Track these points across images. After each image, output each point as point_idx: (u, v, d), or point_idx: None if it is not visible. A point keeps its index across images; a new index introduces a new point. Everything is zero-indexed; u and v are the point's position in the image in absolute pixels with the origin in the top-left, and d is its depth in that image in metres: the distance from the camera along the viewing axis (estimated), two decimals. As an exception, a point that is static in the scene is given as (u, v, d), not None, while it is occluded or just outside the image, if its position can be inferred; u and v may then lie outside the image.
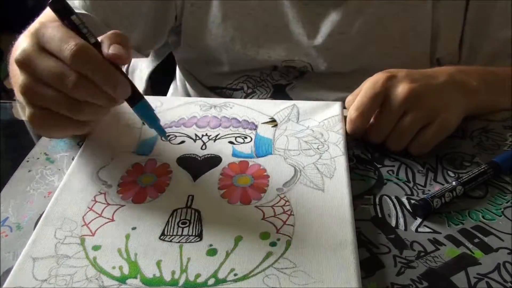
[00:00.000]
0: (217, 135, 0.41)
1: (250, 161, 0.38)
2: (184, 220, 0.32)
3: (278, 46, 0.52)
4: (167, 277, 0.29)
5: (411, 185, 0.37)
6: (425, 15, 0.51)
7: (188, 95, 0.62)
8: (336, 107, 0.44)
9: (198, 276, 0.29)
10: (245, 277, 0.28)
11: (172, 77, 0.67)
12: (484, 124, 0.44)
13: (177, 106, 0.45)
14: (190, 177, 0.36)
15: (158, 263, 0.29)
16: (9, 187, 0.37)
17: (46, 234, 0.31)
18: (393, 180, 0.38)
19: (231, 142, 0.40)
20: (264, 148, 0.39)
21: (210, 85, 0.58)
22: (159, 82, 0.66)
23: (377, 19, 0.50)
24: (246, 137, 0.41)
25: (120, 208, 0.33)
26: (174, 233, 0.31)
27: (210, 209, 0.33)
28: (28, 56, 0.32)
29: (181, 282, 0.28)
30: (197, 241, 0.31)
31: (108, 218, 0.33)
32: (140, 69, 0.66)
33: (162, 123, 0.42)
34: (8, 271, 0.30)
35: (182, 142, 0.40)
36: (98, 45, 0.32)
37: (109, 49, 0.32)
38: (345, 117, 0.43)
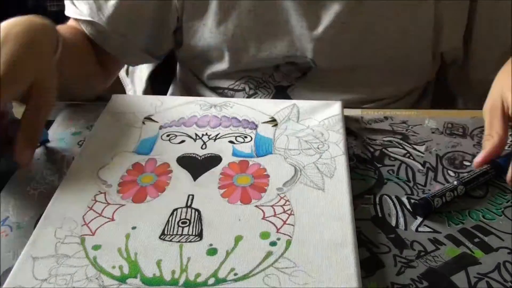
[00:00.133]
0: (217, 134, 0.41)
1: (250, 161, 0.38)
2: (184, 220, 0.32)
3: (279, 42, 0.52)
4: (167, 277, 0.29)
5: (411, 184, 0.37)
6: (427, 7, 0.50)
7: (188, 95, 0.62)
8: (336, 106, 0.44)
9: (198, 275, 0.29)
10: (245, 277, 0.28)
11: (172, 77, 0.67)
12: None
13: (177, 106, 0.45)
14: (190, 176, 0.36)
15: (158, 263, 0.29)
16: (9, 186, 0.37)
17: (46, 234, 0.31)
18: (393, 180, 0.38)
19: (231, 142, 0.40)
20: (264, 147, 0.39)
21: (211, 85, 0.58)
22: (159, 82, 0.66)
23: (379, 11, 0.50)
24: (246, 137, 0.41)
25: (120, 207, 0.33)
26: (174, 233, 0.31)
27: (210, 209, 0.33)
28: None
29: (181, 281, 0.28)
30: (197, 241, 0.31)
31: (108, 218, 0.33)
32: (140, 69, 0.66)
33: (162, 122, 0.43)
34: (8, 271, 0.30)
35: (182, 141, 0.40)
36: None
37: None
38: (345, 116, 0.43)
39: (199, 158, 0.38)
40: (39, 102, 0.36)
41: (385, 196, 0.36)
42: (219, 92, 0.58)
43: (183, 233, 0.31)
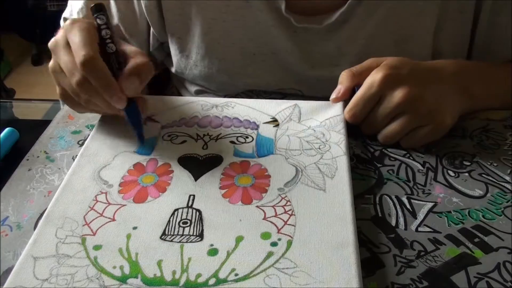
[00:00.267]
0: (219, 134, 0.41)
1: (252, 161, 0.38)
2: (185, 220, 0.32)
3: (267, 75, 0.52)
4: (168, 277, 0.29)
5: (411, 184, 0.37)
6: (425, 40, 0.48)
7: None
8: (337, 107, 0.43)
9: (199, 276, 0.29)
10: (246, 277, 0.28)
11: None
12: (484, 123, 0.44)
13: (178, 106, 0.45)
14: (191, 176, 0.36)
15: (159, 263, 0.29)
16: (9, 186, 0.37)
17: (47, 234, 0.31)
18: (393, 180, 0.38)
19: (232, 142, 0.40)
20: (265, 148, 0.39)
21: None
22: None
23: (370, 48, 0.48)
24: (247, 137, 0.41)
25: (121, 207, 0.33)
26: (175, 233, 0.31)
27: (211, 209, 0.33)
28: (56, 45, 0.37)
29: (182, 282, 0.28)
30: (198, 241, 0.31)
31: (109, 218, 0.33)
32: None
33: (163, 122, 0.43)
34: (8, 271, 0.30)
35: (184, 141, 0.40)
36: (116, 53, 0.37)
37: (126, 73, 0.36)
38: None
39: (200, 158, 0.38)
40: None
41: (385, 196, 0.36)
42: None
43: (184, 233, 0.31)
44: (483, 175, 0.38)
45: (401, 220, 0.34)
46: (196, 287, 0.28)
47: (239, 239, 0.31)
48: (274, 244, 0.30)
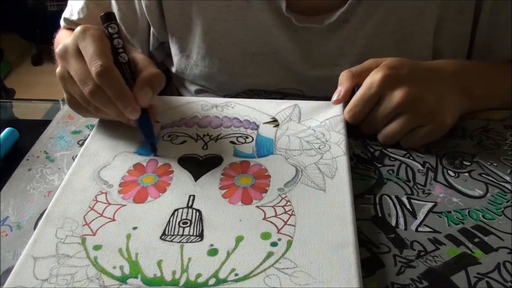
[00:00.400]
0: (219, 135, 0.41)
1: (252, 161, 0.38)
2: (185, 220, 0.32)
3: (267, 75, 0.51)
4: (168, 277, 0.29)
5: (411, 184, 0.37)
6: (426, 40, 0.48)
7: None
8: (337, 107, 0.43)
9: (199, 276, 0.29)
10: (246, 277, 0.28)
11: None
12: (484, 123, 0.44)
13: (178, 106, 0.45)
14: (191, 177, 0.36)
15: (159, 263, 0.29)
16: (9, 186, 0.37)
17: (47, 234, 0.31)
18: (393, 180, 0.38)
19: (232, 142, 0.40)
20: (265, 148, 0.39)
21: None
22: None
23: (370, 47, 0.49)
24: (247, 137, 0.41)
25: (121, 208, 0.33)
26: (175, 233, 0.31)
27: (211, 209, 0.33)
28: (66, 52, 0.37)
29: (182, 282, 0.28)
30: (198, 241, 0.31)
31: (109, 218, 0.33)
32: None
33: (163, 123, 0.43)
34: (8, 271, 0.30)
35: (184, 142, 0.40)
36: (128, 63, 0.37)
37: (139, 83, 0.36)
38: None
39: (200, 158, 0.38)
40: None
41: (385, 196, 0.36)
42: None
43: (184, 233, 0.31)
44: (483, 175, 0.38)
45: (401, 220, 0.34)
46: (196, 287, 0.28)
47: (239, 239, 0.31)
48: (274, 244, 0.30)
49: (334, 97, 0.43)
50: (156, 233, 0.31)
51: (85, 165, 0.37)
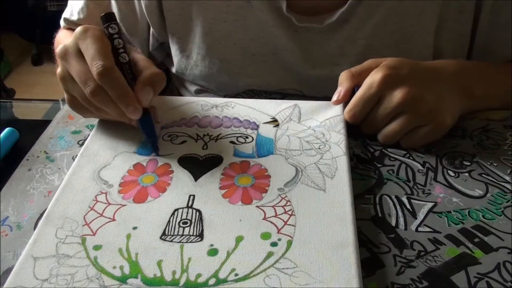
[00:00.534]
0: (219, 135, 0.41)
1: (252, 161, 0.38)
2: (185, 220, 0.32)
3: (268, 75, 0.51)
4: (168, 277, 0.29)
5: (411, 184, 0.37)
6: (427, 40, 0.48)
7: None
8: (337, 107, 0.43)
9: (199, 276, 0.29)
10: (246, 277, 0.28)
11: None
12: (484, 123, 0.44)
13: (178, 106, 0.45)
14: (191, 177, 0.36)
15: (159, 263, 0.29)
16: (9, 186, 0.37)
17: (47, 234, 0.31)
18: (393, 180, 0.38)
19: (232, 142, 0.40)
20: (265, 148, 0.39)
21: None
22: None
23: (370, 47, 0.48)
24: (247, 137, 0.41)
25: (121, 207, 0.33)
26: (175, 233, 0.31)
27: (211, 209, 0.33)
28: (66, 53, 0.37)
29: (182, 282, 0.28)
30: (198, 241, 0.31)
31: (109, 218, 0.33)
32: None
33: (163, 122, 0.43)
34: (8, 271, 0.30)
35: (184, 142, 0.40)
36: (128, 63, 0.37)
37: (141, 83, 0.37)
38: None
39: (200, 158, 0.38)
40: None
41: (385, 196, 0.36)
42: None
43: (184, 233, 0.31)
44: (483, 175, 0.38)
45: (401, 220, 0.34)
46: (196, 287, 0.28)
47: (239, 239, 0.31)
48: (274, 244, 0.30)
49: (334, 97, 0.43)
50: (156, 233, 0.31)
51: (85, 165, 0.37)
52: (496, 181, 0.38)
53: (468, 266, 0.31)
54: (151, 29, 0.53)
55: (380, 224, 0.34)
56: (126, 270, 0.29)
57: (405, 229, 0.33)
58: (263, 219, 0.32)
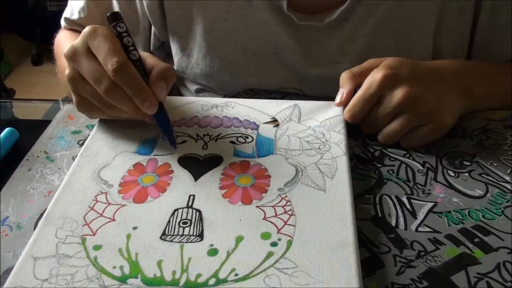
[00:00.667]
0: (219, 135, 0.41)
1: (252, 161, 0.38)
2: (185, 220, 0.32)
3: (268, 74, 0.51)
4: (168, 277, 0.29)
5: (411, 184, 0.37)
6: (426, 40, 0.48)
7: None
8: (337, 107, 0.44)
9: (199, 276, 0.29)
10: (246, 277, 0.28)
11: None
12: (484, 123, 0.44)
13: (178, 106, 0.45)
14: (191, 177, 0.36)
15: (159, 263, 0.29)
16: (9, 186, 0.37)
17: (47, 234, 0.31)
18: (393, 180, 0.38)
19: (232, 142, 0.40)
20: (265, 148, 0.39)
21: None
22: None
23: (370, 46, 0.49)
24: (247, 137, 0.41)
25: (121, 207, 0.33)
26: (175, 233, 0.31)
27: (211, 209, 0.33)
28: (76, 53, 0.36)
29: (182, 282, 0.28)
30: (198, 241, 0.31)
31: (109, 218, 0.33)
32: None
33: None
34: (8, 271, 0.30)
35: (184, 142, 0.40)
36: (139, 60, 0.37)
37: (154, 78, 0.37)
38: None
39: (200, 158, 0.38)
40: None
41: (385, 196, 0.36)
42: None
43: (184, 233, 0.31)
44: (483, 175, 0.38)
45: (401, 220, 0.34)
46: (196, 287, 0.28)
47: (239, 239, 0.31)
48: (274, 244, 0.30)
49: (337, 99, 0.42)
50: (156, 233, 0.31)
51: (85, 165, 0.37)
52: (496, 181, 0.38)
53: (468, 266, 0.31)
54: (153, 29, 0.53)
55: (380, 224, 0.34)
56: (126, 270, 0.29)
57: (405, 229, 0.33)
58: (263, 219, 0.32)
